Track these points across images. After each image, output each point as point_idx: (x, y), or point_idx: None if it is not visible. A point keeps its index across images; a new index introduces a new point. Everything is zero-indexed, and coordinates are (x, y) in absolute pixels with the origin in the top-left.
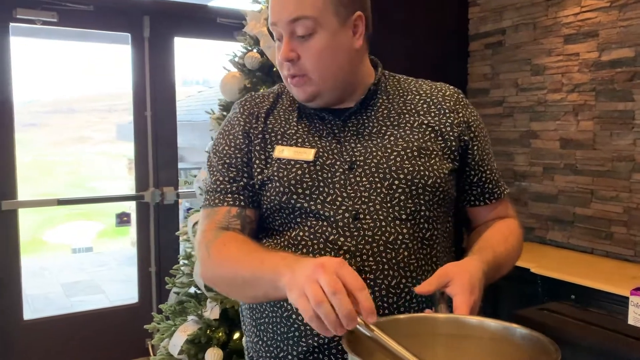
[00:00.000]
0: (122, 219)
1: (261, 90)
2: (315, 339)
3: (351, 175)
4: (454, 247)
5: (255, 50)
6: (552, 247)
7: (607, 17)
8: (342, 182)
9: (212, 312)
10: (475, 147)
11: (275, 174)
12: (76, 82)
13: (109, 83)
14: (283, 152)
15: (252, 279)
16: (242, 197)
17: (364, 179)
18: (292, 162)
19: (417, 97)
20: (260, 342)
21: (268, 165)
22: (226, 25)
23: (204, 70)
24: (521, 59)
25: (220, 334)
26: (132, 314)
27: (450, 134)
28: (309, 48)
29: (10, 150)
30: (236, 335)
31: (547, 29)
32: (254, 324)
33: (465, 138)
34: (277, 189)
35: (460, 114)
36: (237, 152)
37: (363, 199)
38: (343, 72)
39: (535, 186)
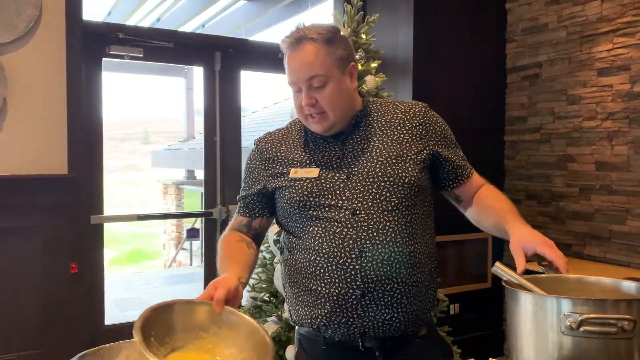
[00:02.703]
0: (192, 233)
1: (273, 130)
2: (332, 305)
3: (349, 183)
4: (432, 222)
5: None
6: (590, 261)
7: (637, 52)
8: (341, 189)
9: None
10: (442, 146)
11: (292, 188)
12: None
13: (151, 112)
14: (297, 172)
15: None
16: (248, 211)
17: (359, 184)
18: (303, 179)
19: (395, 115)
20: (300, 309)
21: (285, 182)
22: None
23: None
24: (557, 90)
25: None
26: None
27: (419, 142)
28: (324, 95)
29: (99, 170)
30: None
31: (581, 63)
32: (294, 296)
33: (430, 143)
34: (294, 199)
35: (427, 124)
36: (253, 180)
37: (359, 199)
38: (347, 107)
39: (572, 205)
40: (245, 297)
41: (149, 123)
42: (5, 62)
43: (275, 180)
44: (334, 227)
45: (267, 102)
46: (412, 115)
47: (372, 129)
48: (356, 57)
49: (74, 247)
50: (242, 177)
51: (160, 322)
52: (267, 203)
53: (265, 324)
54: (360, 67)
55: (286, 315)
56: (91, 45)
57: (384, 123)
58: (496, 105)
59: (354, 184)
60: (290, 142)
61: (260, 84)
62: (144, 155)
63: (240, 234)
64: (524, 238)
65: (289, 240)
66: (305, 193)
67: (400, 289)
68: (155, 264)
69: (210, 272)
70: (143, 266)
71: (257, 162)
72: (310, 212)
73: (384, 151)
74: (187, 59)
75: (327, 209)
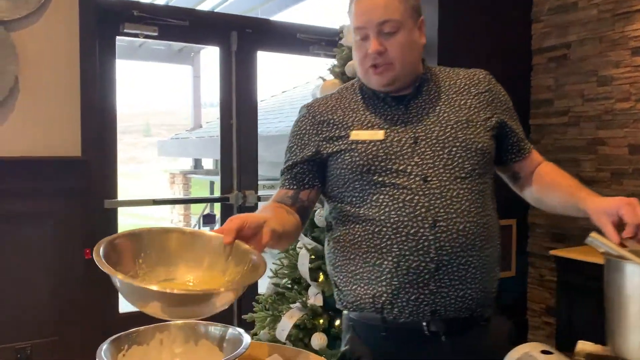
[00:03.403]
0: (208, 219)
1: (322, 96)
2: (400, 280)
3: (417, 148)
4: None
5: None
6: None
7: None
8: (409, 154)
9: (315, 299)
10: (507, 115)
11: (354, 151)
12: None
13: (155, 101)
14: (358, 135)
15: None
16: (296, 182)
17: (428, 149)
18: (367, 142)
19: (458, 80)
20: (358, 288)
21: (345, 146)
22: (304, 41)
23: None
24: (587, 71)
25: (322, 321)
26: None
27: (487, 109)
28: (394, 42)
29: (113, 154)
30: (337, 322)
31: (614, 42)
32: (350, 275)
33: (497, 111)
34: (356, 163)
35: (493, 91)
36: (302, 146)
37: (429, 165)
38: (414, 62)
39: (603, 191)
40: (267, 284)
41: (150, 115)
42: (16, 38)
43: (332, 144)
44: (404, 195)
45: (285, 87)
46: (476, 81)
47: (436, 94)
48: None
49: (88, 232)
50: (287, 147)
51: (155, 246)
52: (318, 172)
53: (289, 310)
54: None
55: (311, 301)
56: (105, 22)
57: (447, 88)
58: (521, 88)
59: (423, 149)
60: (347, 104)
61: (278, 67)
62: (145, 148)
63: (282, 204)
64: (603, 206)
65: (343, 212)
66: (370, 157)
67: (474, 263)
68: None
69: None
70: None
71: (308, 126)
72: (375, 178)
73: (452, 115)
74: (202, 38)
75: (394, 174)
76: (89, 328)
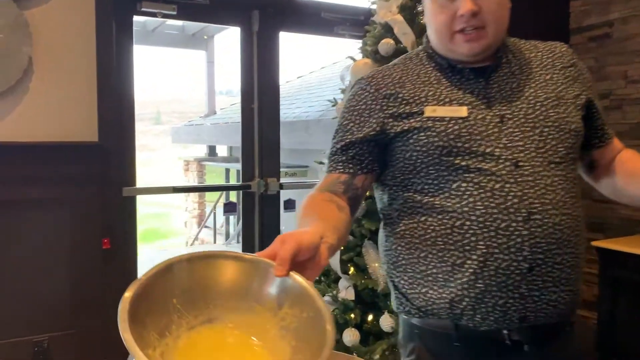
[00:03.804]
0: (229, 208)
1: (382, 67)
2: (486, 282)
3: (504, 128)
4: None
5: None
6: None
7: None
8: (496, 134)
9: (347, 292)
10: (591, 95)
11: (432, 130)
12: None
13: (166, 89)
14: (435, 111)
15: None
16: (352, 165)
17: (516, 130)
18: (447, 119)
19: (538, 53)
20: (430, 292)
21: (419, 123)
22: (329, 20)
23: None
24: (631, 51)
25: (354, 316)
26: None
27: (574, 86)
28: (490, 1)
29: (131, 140)
30: (370, 317)
31: None
32: (419, 276)
33: (584, 88)
34: (434, 144)
35: (578, 66)
36: (362, 123)
37: (519, 147)
38: (503, 30)
39: None
40: None
41: (160, 103)
42: (29, 17)
43: (401, 122)
44: (492, 182)
45: (300, 72)
46: (559, 54)
47: (517, 67)
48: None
49: (106, 221)
50: (340, 125)
51: (193, 276)
52: (379, 154)
53: None
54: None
55: (342, 295)
56: (121, 0)
57: (528, 61)
58: None
59: (511, 129)
60: (416, 77)
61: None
62: (156, 136)
63: (331, 194)
64: None
65: (410, 202)
66: (452, 136)
67: (569, 262)
68: (174, 242)
69: (248, 251)
70: (160, 245)
71: (371, 101)
72: (457, 161)
73: (540, 92)
74: (222, 18)
75: (480, 158)
76: (108, 321)
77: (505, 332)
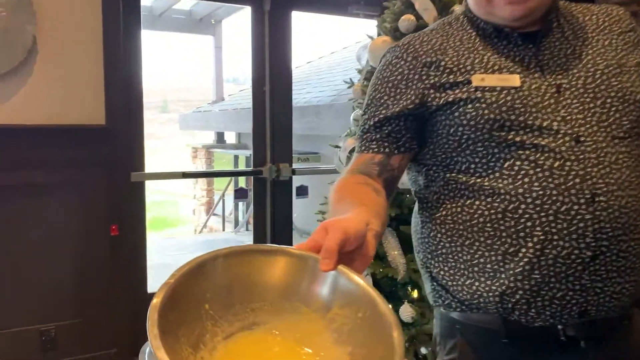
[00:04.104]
0: (240, 194)
1: (417, 32)
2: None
3: (561, 99)
4: None
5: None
6: None
7: None
8: (552, 106)
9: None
10: None
11: (481, 101)
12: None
13: (173, 77)
14: (484, 80)
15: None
16: (388, 143)
17: (575, 101)
18: (498, 89)
19: (593, 17)
20: (476, 284)
21: (467, 94)
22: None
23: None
24: None
25: None
26: None
27: (635, 52)
28: None
29: (139, 124)
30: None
31: None
32: (464, 266)
33: None
34: (484, 117)
35: (638, 32)
36: (398, 95)
37: (579, 121)
38: None
39: None
40: None
41: (167, 92)
42: None
43: (445, 93)
44: (551, 160)
45: (310, 57)
46: (617, 18)
47: (570, 32)
48: None
49: (114, 207)
50: (372, 98)
51: (227, 276)
52: (418, 131)
53: None
54: None
55: None
56: None
57: (582, 25)
58: None
59: (569, 101)
60: (458, 43)
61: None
62: (163, 124)
63: (365, 177)
64: None
65: (453, 184)
66: (504, 108)
67: (634, 250)
68: (182, 230)
69: (259, 239)
70: (167, 233)
71: (407, 70)
72: (511, 137)
73: (599, 59)
74: None
75: (537, 132)
76: (116, 309)
77: (560, 327)
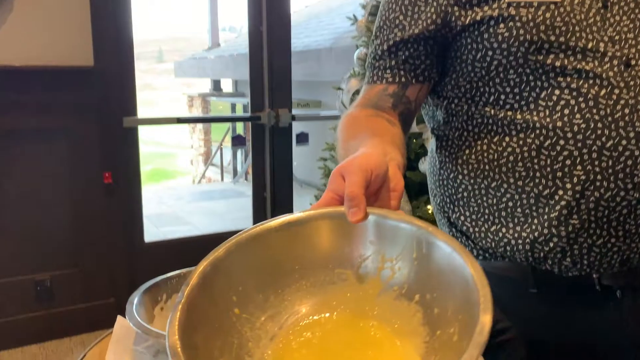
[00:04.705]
0: (238, 141)
1: None
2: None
3: (608, 15)
4: None
5: None
6: None
7: None
8: (599, 24)
9: None
10: None
11: (514, 20)
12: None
13: (168, 26)
14: None
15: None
16: (404, 72)
17: (624, 18)
18: (535, 5)
19: None
20: (502, 230)
21: (497, 11)
22: None
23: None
24: None
25: None
26: None
27: None
28: None
29: (130, 64)
30: None
31: None
32: (490, 209)
33: None
34: (519, 38)
35: None
36: (416, 15)
37: (630, 41)
38: None
39: None
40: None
41: (162, 42)
42: None
43: (472, 10)
44: (596, 87)
45: (311, 1)
46: None
47: None
48: None
49: (106, 154)
50: (385, 19)
51: (249, 266)
52: (439, 56)
53: None
54: None
55: None
56: None
57: None
58: None
59: (618, 17)
60: None
61: None
62: (159, 75)
63: (376, 110)
64: None
65: (479, 117)
66: (542, 27)
67: None
68: (181, 182)
69: (259, 187)
70: (166, 185)
71: None
72: (549, 61)
73: None
74: None
75: (579, 56)
76: (112, 259)
77: (595, 276)
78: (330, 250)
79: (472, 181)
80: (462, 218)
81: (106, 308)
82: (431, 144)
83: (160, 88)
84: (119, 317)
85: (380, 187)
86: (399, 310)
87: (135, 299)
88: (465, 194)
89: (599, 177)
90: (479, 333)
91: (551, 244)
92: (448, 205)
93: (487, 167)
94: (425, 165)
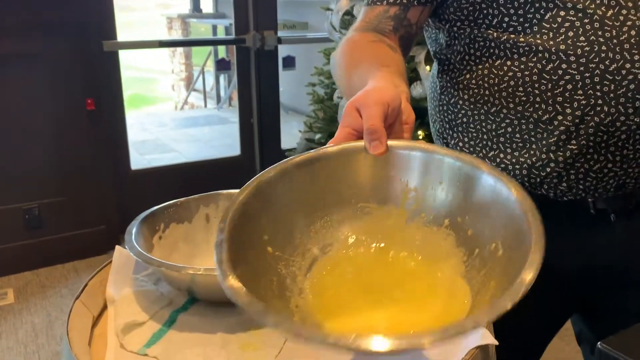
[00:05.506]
0: (222, 65)
1: None
2: (581, 142)
3: None
4: None
5: None
6: None
7: None
8: None
9: None
10: None
11: None
12: None
13: None
14: None
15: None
16: None
17: None
18: None
19: None
20: (500, 155)
21: None
22: None
23: None
24: None
25: None
26: (236, 165)
27: None
28: None
29: None
30: None
31: None
32: (488, 134)
33: None
34: None
35: None
36: None
37: None
38: None
39: None
40: (298, 138)
41: None
42: None
43: None
44: (603, 7)
45: None
46: None
47: None
48: None
49: (87, 80)
50: None
51: (274, 215)
52: None
53: None
54: None
55: None
56: None
57: None
58: None
59: None
60: None
61: None
62: None
63: (377, 34)
64: None
65: (480, 41)
66: None
67: None
68: (162, 107)
69: (245, 114)
70: (147, 111)
71: None
72: None
73: None
74: None
75: None
76: (99, 186)
77: (590, 200)
78: (354, 186)
79: (472, 106)
80: (461, 144)
81: (97, 235)
82: (433, 69)
83: (139, 10)
84: (118, 247)
85: (394, 121)
86: (427, 237)
87: (133, 229)
88: (464, 119)
89: (599, 101)
90: (536, 243)
91: (548, 169)
92: (447, 131)
93: (487, 92)
94: (417, 90)
